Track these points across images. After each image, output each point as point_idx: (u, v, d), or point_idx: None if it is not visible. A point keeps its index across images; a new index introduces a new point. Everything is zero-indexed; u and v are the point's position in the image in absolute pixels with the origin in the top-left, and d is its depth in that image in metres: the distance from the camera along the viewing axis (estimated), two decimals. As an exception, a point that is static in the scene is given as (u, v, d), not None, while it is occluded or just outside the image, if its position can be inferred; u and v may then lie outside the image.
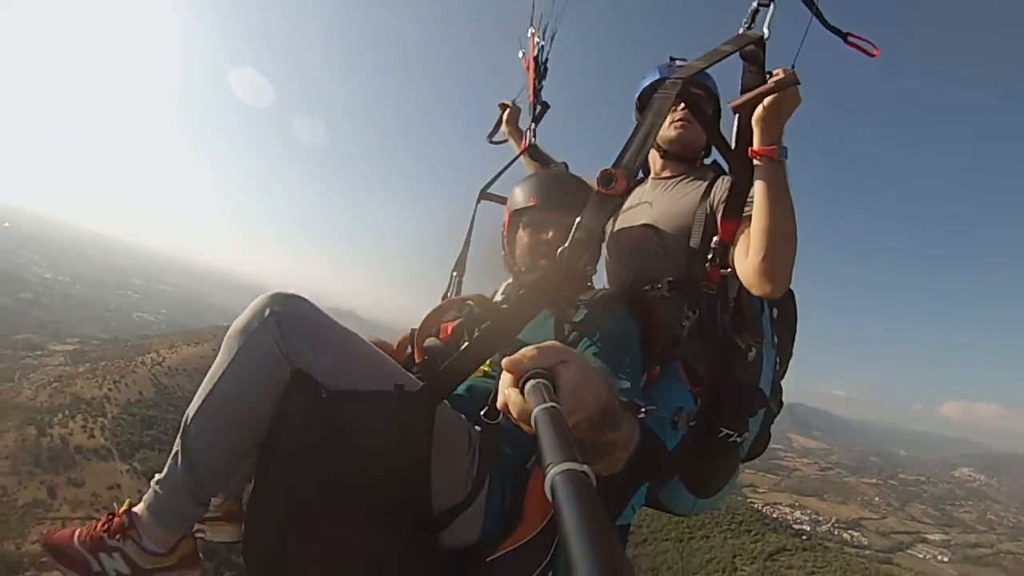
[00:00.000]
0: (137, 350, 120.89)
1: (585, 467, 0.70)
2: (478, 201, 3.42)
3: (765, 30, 2.18)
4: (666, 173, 3.11)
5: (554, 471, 0.69)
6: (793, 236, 2.21)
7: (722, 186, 2.75)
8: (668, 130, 3.00)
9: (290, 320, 1.78)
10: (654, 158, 3.18)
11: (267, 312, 1.78)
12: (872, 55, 2.29)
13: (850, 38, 2.29)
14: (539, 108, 3.83)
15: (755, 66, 2.20)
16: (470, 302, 2.57)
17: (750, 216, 2.33)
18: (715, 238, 2.56)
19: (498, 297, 2.72)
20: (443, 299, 3.09)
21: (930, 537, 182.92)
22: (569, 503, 0.63)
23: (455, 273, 3.21)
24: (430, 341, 2.42)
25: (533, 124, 3.80)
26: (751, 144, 2.23)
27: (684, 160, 3.11)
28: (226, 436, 1.84)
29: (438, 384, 1.78)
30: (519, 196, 2.70)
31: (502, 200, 3.24)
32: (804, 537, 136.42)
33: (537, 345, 1.21)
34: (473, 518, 1.87)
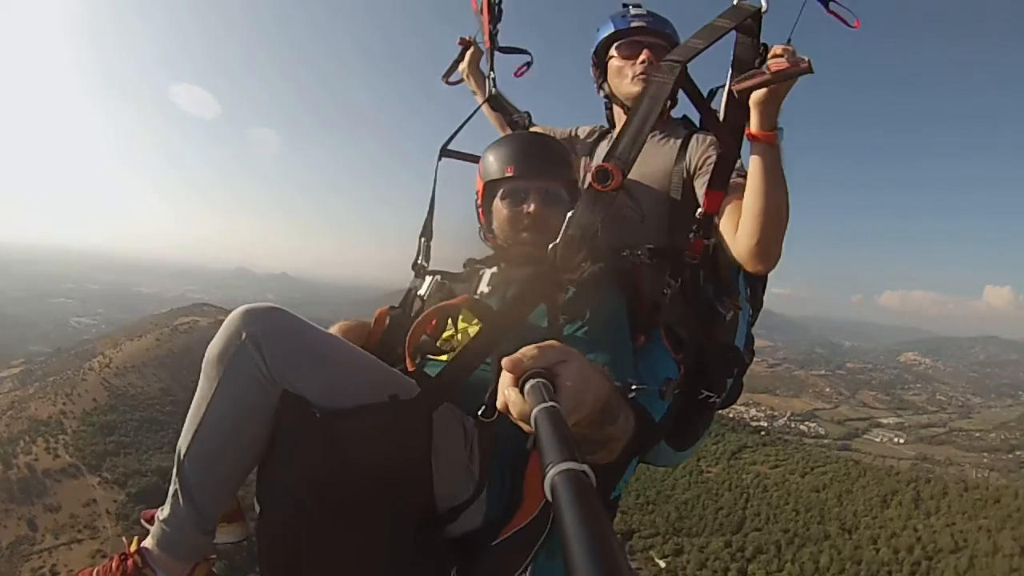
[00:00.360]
0: (82, 357, 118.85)
1: (585, 467, 0.71)
2: (439, 159, 3.14)
3: (763, 2, 2.09)
4: None
5: (554, 471, 0.70)
6: (786, 217, 2.20)
7: (698, 147, 2.73)
8: (631, 86, 2.90)
9: (269, 340, 1.72)
10: (619, 114, 3.10)
11: (243, 335, 1.72)
12: (852, 26, 2.23)
13: (831, 4, 2.22)
14: (495, 55, 3.59)
15: (750, 38, 2.14)
16: (458, 304, 2.36)
17: (736, 187, 2.37)
18: (700, 210, 2.50)
19: (483, 287, 2.56)
20: (413, 267, 2.88)
21: (884, 421, 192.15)
22: (569, 504, 0.64)
23: (423, 239, 2.94)
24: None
25: (492, 73, 3.58)
26: (741, 119, 2.20)
27: None
28: (222, 468, 1.85)
29: (434, 391, 1.79)
30: (494, 165, 2.52)
31: (466, 157, 3.19)
32: (763, 433, 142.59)
33: (537, 344, 1.21)
34: (477, 508, 1.89)
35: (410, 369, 2.03)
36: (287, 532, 1.75)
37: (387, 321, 2.56)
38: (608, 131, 3.26)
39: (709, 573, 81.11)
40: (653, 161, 2.84)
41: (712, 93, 2.60)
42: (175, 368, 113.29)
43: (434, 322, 2.41)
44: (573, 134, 3.38)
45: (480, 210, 2.62)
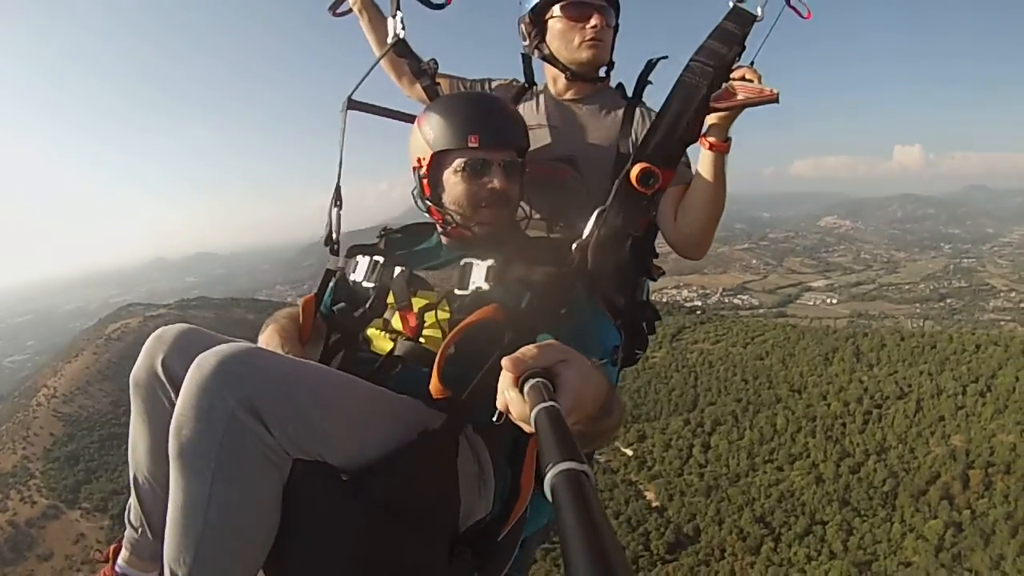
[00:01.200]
0: (27, 395, 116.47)
1: (585, 467, 0.70)
2: (345, 111, 2.62)
3: (759, 11, 2.17)
4: (570, 95, 2.91)
5: (554, 471, 0.70)
6: (722, 212, 2.33)
7: (645, 125, 2.66)
8: (580, 51, 2.73)
9: (265, 399, 1.46)
10: (555, 76, 2.91)
11: (229, 400, 1.43)
12: (804, 17, 2.34)
13: None
14: None
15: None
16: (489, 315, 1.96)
17: (678, 175, 2.37)
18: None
19: (479, 283, 2.12)
20: (326, 243, 2.45)
21: (814, 285, 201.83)
22: (569, 504, 0.63)
23: (335, 208, 2.48)
24: (404, 346, 2.09)
25: (399, 12, 2.95)
26: (705, 108, 2.20)
27: (589, 80, 2.89)
28: (231, 570, 1.57)
29: (462, 414, 1.73)
30: (450, 132, 2.17)
31: (378, 111, 2.78)
32: (699, 312, 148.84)
33: (536, 344, 1.22)
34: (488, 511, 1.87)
35: (441, 396, 1.73)
36: None
37: (318, 314, 2.34)
38: (527, 88, 3.07)
39: (675, 451, 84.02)
40: (598, 133, 2.80)
41: (651, 64, 2.74)
42: (119, 378, 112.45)
43: (412, 320, 2.16)
44: (486, 87, 3.17)
45: (425, 180, 2.26)
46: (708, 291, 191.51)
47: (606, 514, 0.62)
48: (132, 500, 1.94)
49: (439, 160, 2.21)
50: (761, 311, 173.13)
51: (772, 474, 77.36)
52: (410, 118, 2.62)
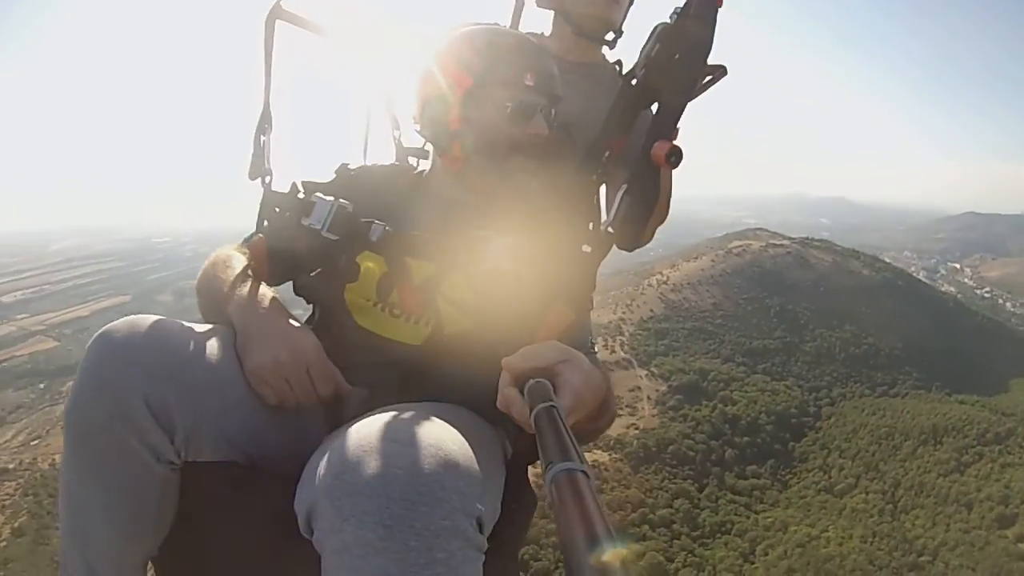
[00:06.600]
0: (641, 276, 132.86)
1: (585, 466, 0.71)
2: (273, 21, 1.95)
3: None
4: (573, 57, 2.53)
5: (554, 471, 0.71)
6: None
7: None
8: (594, 6, 2.41)
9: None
10: (564, 34, 2.53)
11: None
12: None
13: None
14: None
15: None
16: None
17: (626, 157, 2.20)
18: (607, 153, 2.22)
19: (500, 263, 1.77)
20: (253, 175, 1.82)
21: None
22: (569, 504, 0.64)
23: (264, 137, 1.86)
24: (440, 336, 1.69)
25: None
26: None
27: (595, 41, 2.55)
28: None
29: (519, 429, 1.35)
30: (504, 63, 1.75)
31: (314, 29, 2.08)
32: None
33: (536, 344, 1.21)
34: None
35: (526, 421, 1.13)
36: None
37: (266, 263, 1.74)
38: None
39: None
40: (593, 110, 2.42)
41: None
42: (727, 286, 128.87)
43: (408, 297, 1.71)
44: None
45: (456, 110, 1.79)
46: None
47: (608, 514, 0.62)
48: None
49: (479, 92, 1.78)
50: None
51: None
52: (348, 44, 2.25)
